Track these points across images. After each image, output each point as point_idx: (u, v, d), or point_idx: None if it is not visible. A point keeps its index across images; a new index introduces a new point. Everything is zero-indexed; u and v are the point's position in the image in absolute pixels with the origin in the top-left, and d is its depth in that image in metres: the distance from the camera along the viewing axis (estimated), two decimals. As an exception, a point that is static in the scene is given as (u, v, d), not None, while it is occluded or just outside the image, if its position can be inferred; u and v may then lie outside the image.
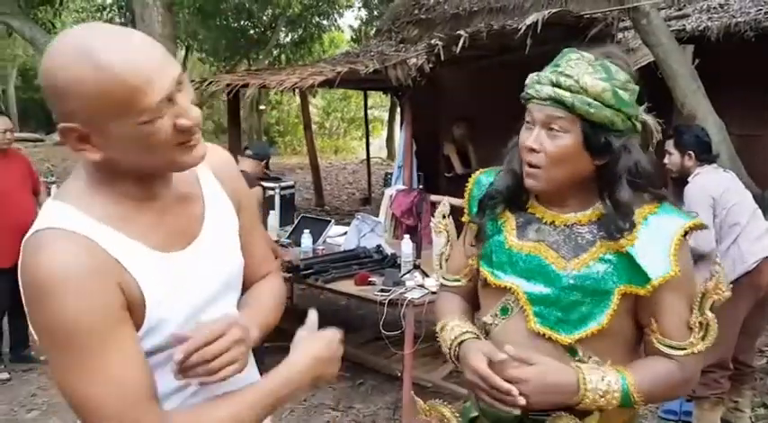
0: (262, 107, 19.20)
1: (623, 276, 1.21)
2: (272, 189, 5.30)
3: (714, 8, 5.85)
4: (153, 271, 0.97)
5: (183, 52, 16.75)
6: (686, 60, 4.54)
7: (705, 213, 2.85)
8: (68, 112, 0.90)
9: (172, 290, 1.00)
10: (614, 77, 1.17)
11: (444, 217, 1.52)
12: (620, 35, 5.65)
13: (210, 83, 6.61)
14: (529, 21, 4.91)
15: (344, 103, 23.02)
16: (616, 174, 1.20)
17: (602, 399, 1.18)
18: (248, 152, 4.38)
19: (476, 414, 1.39)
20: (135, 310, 0.95)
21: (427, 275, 3.43)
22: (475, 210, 1.39)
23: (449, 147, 6.44)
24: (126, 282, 0.94)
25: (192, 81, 6.95)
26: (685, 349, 1.21)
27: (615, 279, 1.21)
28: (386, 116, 20.60)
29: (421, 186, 5.76)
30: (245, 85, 6.17)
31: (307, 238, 4.02)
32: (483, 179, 1.42)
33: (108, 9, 15.92)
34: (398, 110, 10.60)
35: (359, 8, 17.59)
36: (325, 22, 16.77)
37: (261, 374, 1.14)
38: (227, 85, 6.32)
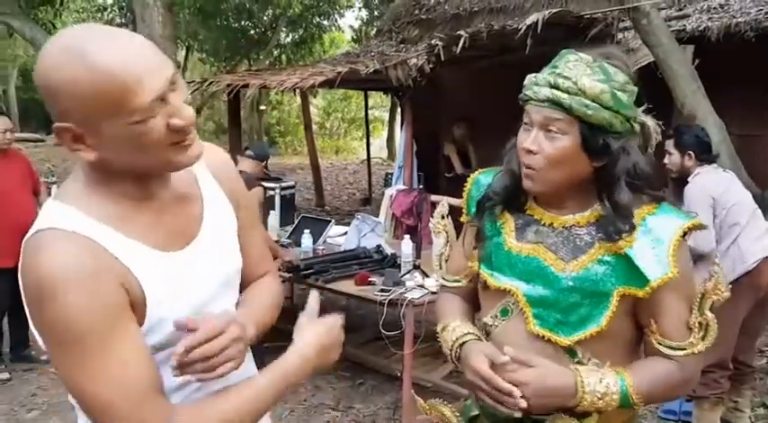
0: (262, 107, 19.20)
1: (622, 278, 1.21)
2: (273, 189, 5.31)
3: (714, 8, 5.85)
4: (153, 270, 0.98)
5: (183, 52, 16.78)
6: (686, 60, 4.54)
7: (705, 213, 2.85)
8: (62, 112, 0.91)
9: (172, 289, 1.00)
10: (613, 79, 1.17)
11: (443, 217, 1.51)
12: (620, 35, 5.64)
13: (211, 83, 6.61)
14: (529, 21, 4.91)
15: (345, 104, 23.03)
16: (614, 175, 1.19)
17: (601, 401, 1.18)
18: (248, 152, 4.39)
19: (476, 413, 1.39)
20: (136, 308, 0.96)
21: (427, 275, 3.43)
22: (473, 210, 1.39)
23: (449, 147, 6.45)
24: (128, 281, 0.95)
25: (193, 81, 6.96)
26: (685, 349, 1.21)
27: (614, 281, 1.21)
28: (386, 116, 20.59)
29: (421, 186, 5.77)
30: (246, 86, 6.17)
31: (307, 239, 4.02)
32: (482, 179, 1.41)
33: (109, 9, 15.93)
34: (399, 110, 10.60)
35: (359, 8, 17.60)
36: (325, 23, 16.76)
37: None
38: (228, 85, 6.32)
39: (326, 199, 10.79)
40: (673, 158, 3.12)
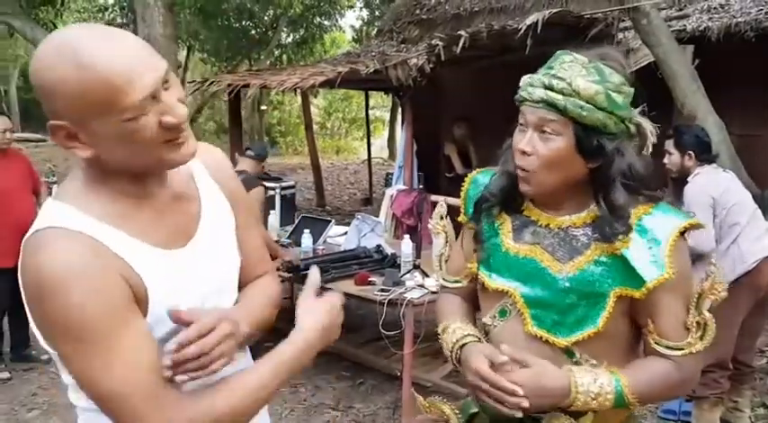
0: (263, 107, 19.19)
1: (618, 279, 1.21)
2: (273, 189, 5.32)
3: (714, 8, 5.84)
4: (155, 268, 0.99)
5: (184, 52, 16.77)
6: (686, 60, 4.54)
7: (705, 213, 2.85)
8: (56, 111, 0.92)
9: (173, 287, 1.01)
10: (608, 80, 1.17)
11: (442, 218, 1.51)
12: (620, 35, 5.64)
13: (212, 83, 6.63)
14: (529, 21, 4.91)
15: (346, 104, 23.02)
16: (609, 177, 1.19)
17: (594, 401, 1.18)
18: (249, 152, 4.40)
19: (476, 410, 1.39)
20: (139, 305, 0.97)
21: (427, 275, 3.43)
22: (471, 210, 1.39)
23: (449, 147, 6.45)
24: (131, 277, 0.95)
25: (194, 81, 6.97)
26: (683, 349, 1.20)
27: (610, 281, 1.21)
28: (387, 116, 20.58)
29: (421, 186, 5.77)
30: (247, 86, 6.18)
31: (307, 238, 4.03)
32: (480, 179, 1.41)
33: (110, 9, 15.92)
34: (399, 110, 10.60)
35: (360, 8, 17.58)
36: (326, 23, 16.75)
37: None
38: (229, 85, 6.33)
39: (327, 199, 10.79)
40: (673, 158, 3.12)
